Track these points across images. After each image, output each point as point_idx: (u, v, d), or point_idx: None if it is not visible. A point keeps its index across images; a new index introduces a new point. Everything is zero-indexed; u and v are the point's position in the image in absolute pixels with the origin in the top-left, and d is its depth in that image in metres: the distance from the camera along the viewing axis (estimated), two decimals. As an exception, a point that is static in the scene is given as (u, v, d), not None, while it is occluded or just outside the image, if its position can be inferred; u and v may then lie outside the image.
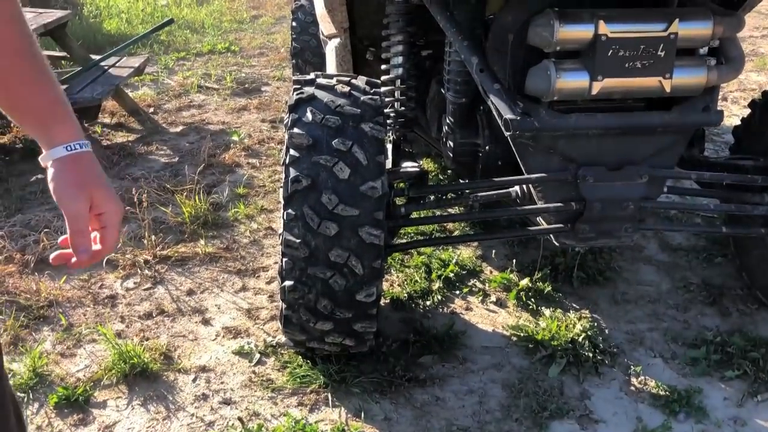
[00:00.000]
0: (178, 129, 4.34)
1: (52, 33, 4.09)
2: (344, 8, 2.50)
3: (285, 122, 1.92)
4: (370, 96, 1.93)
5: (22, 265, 2.65)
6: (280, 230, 1.86)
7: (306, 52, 4.09)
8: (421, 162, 3.16)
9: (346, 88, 1.93)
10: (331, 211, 1.77)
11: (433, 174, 3.41)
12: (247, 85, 5.25)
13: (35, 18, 3.94)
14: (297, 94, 1.92)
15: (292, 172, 1.80)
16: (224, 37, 7.01)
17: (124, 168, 3.69)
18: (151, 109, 4.67)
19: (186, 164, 3.73)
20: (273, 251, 2.81)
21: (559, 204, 2.01)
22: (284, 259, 1.84)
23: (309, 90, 1.94)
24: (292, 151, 1.82)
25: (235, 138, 4.07)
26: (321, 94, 1.91)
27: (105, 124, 4.33)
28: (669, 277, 2.63)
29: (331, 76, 2.02)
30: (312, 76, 2.02)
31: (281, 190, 1.88)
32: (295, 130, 1.84)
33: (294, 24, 4.20)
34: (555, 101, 1.93)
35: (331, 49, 2.73)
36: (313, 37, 4.03)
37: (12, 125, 4.07)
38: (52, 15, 4.06)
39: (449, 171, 3.35)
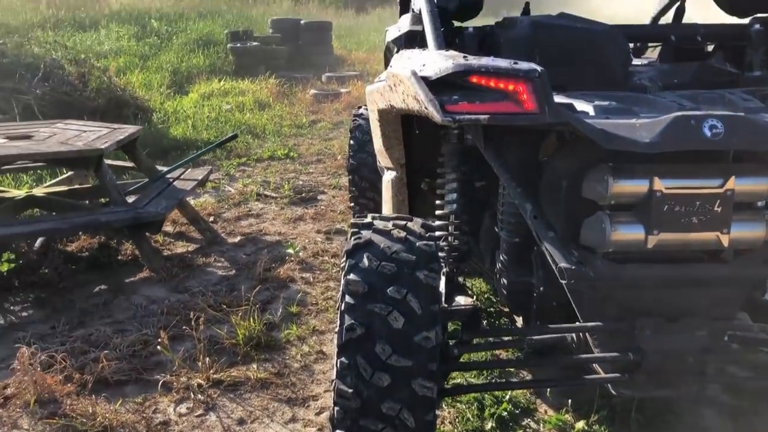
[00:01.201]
0: (236, 239, 4.47)
1: (123, 147, 4.35)
2: (401, 147, 2.60)
3: (342, 266, 1.96)
4: (425, 242, 1.96)
5: (80, 385, 2.71)
6: (333, 374, 1.86)
7: (362, 169, 4.21)
8: (473, 292, 3.17)
9: (402, 233, 1.97)
10: (384, 362, 1.78)
11: (485, 298, 3.39)
12: (303, 194, 5.41)
13: (109, 134, 4.20)
14: (354, 240, 1.97)
15: (347, 320, 1.82)
16: (284, 143, 7.30)
17: (182, 280, 3.80)
18: (212, 218, 4.84)
19: (242, 278, 3.82)
20: (323, 378, 2.81)
21: (616, 354, 1.97)
22: (336, 408, 1.83)
23: (366, 234, 1.98)
24: (347, 298, 1.85)
25: (290, 251, 4.16)
26: (377, 239, 1.95)
27: (167, 233, 4.49)
28: (733, 423, 2.50)
29: (387, 219, 2.06)
30: (369, 218, 2.08)
31: (335, 335, 1.90)
32: (352, 276, 1.87)
33: (352, 142, 4.35)
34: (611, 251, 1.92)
35: (387, 181, 2.81)
36: (369, 155, 4.15)
37: (80, 235, 4.27)
38: (125, 131, 4.32)
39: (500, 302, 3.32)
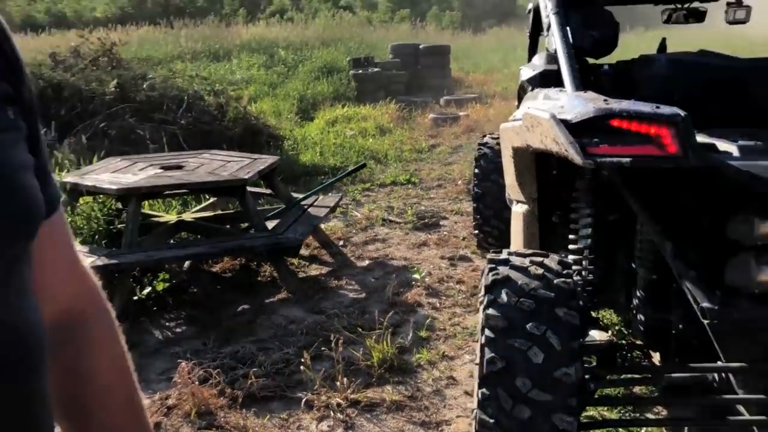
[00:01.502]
0: (365, 263, 4.67)
1: (262, 175, 4.68)
2: (534, 182, 2.67)
3: (480, 300, 2.06)
4: (563, 279, 2.02)
5: (231, 399, 2.97)
6: (474, 403, 1.95)
7: (487, 197, 4.30)
8: (609, 328, 3.16)
9: (540, 270, 2.05)
10: (525, 395, 1.85)
11: (616, 330, 3.37)
12: (426, 220, 5.55)
13: (251, 164, 4.54)
14: (492, 275, 2.06)
15: (488, 353, 1.92)
16: (405, 168, 7.50)
17: (317, 302, 4.03)
18: (341, 242, 5.08)
19: (372, 301, 4.00)
20: (455, 403, 2.90)
21: (762, 396, 1.94)
22: (478, 438, 1.92)
23: (503, 270, 2.07)
24: (487, 332, 1.95)
25: (416, 276, 4.31)
26: (515, 276, 2.04)
27: (301, 257, 4.77)
28: None
29: (524, 255, 2.15)
30: (505, 255, 2.17)
31: (473, 365, 2.00)
32: (491, 311, 1.97)
33: (476, 170, 4.45)
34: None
35: (518, 214, 2.89)
36: (494, 184, 4.24)
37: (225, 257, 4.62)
38: (265, 161, 4.65)
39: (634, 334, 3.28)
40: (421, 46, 13.93)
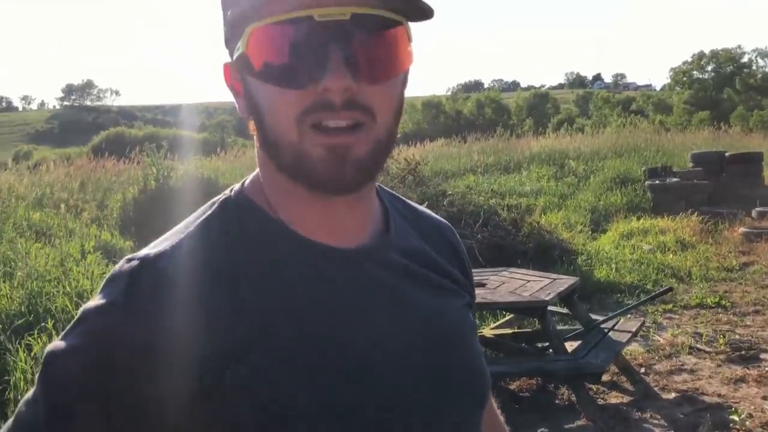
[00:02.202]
0: (671, 396, 4.37)
1: (564, 297, 4.73)
2: None
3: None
4: None
5: None
6: None
7: (823, 335, 3.79)
8: None
9: None
10: None
11: None
12: (743, 351, 5.03)
13: (551, 284, 4.63)
14: None
15: None
16: (712, 288, 6.93)
17: (619, 435, 3.87)
18: (642, 369, 4.83)
19: (683, 442, 3.72)
20: None
21: None
22: None
23: None
24: None
25: (734, 417, 3.91)
26: None
27: (600, 382, 4.64)
28: None
29: None
30: None
31: None
32: None
33: (808, 304, 3.97)
34: None
35: None
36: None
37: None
38: (565, 282, 4.71)
39: None
40: (726, 154, 12.96)
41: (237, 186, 0.81)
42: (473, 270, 1.17)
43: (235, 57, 0.73)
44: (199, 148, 14.20)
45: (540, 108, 61.36)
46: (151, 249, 0.73)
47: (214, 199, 0.80)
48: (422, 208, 0.96)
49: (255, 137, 0.76)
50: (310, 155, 0.68)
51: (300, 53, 0.67)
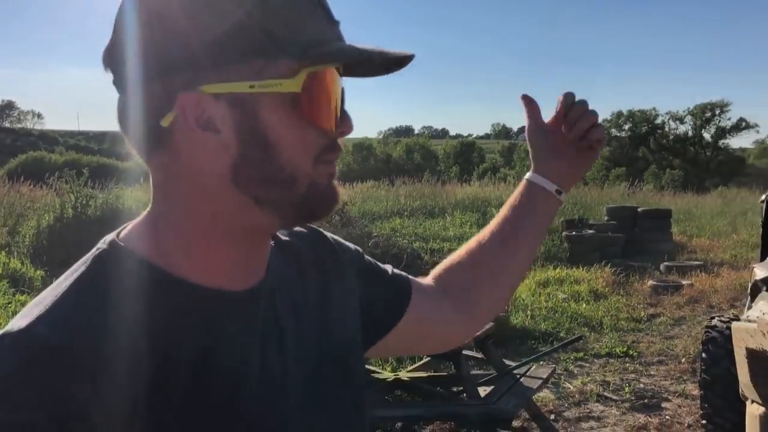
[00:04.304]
0: (578, 443, 4.50)
1: (479, 342, 4.82)
2: (774, 385, 2.52)
3: None
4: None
5: None
6: None
7: (717, 386, 4.01)
8: None
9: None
10: None
11: None
12: (646, 400, 5.25)
13: (467, 330, 4.72)
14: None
15: None
16: (622, 339, 7.21)
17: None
18: (552, 416, 4.96)
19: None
20: None
21: None
22: None
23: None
24: None
25: (635, 465, 4.06)
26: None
27: (512, 428, 4.73)
28: None
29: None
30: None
31: None
32: None
33: (704, 356, 4.20)
34: None
35: (754, 416, 2.70)
36: (726, 372, 3.95)
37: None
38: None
39: None
40: (639, 209, 13.66)
41: (110, 236, 0.76)
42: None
43: (260, 91, 0.69)
44: (122, 178, 13.78)
45: (466, 156, 63.12)
46: (22, 319, 0.66)
47: (87, 255, 0.75)
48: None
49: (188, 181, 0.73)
50: (320, 184, 0.75)
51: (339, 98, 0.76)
